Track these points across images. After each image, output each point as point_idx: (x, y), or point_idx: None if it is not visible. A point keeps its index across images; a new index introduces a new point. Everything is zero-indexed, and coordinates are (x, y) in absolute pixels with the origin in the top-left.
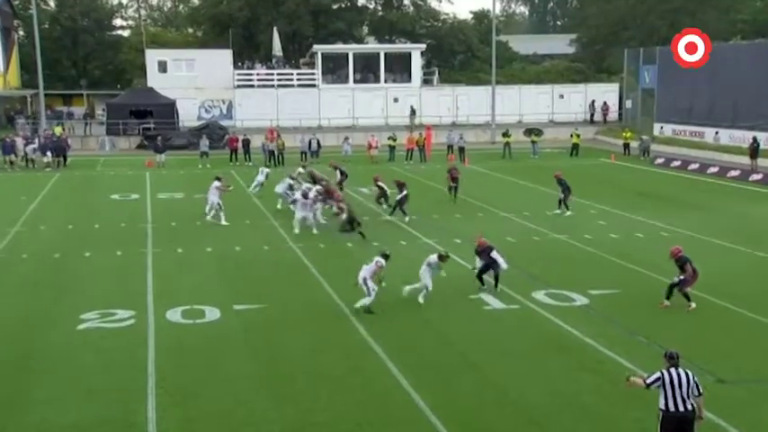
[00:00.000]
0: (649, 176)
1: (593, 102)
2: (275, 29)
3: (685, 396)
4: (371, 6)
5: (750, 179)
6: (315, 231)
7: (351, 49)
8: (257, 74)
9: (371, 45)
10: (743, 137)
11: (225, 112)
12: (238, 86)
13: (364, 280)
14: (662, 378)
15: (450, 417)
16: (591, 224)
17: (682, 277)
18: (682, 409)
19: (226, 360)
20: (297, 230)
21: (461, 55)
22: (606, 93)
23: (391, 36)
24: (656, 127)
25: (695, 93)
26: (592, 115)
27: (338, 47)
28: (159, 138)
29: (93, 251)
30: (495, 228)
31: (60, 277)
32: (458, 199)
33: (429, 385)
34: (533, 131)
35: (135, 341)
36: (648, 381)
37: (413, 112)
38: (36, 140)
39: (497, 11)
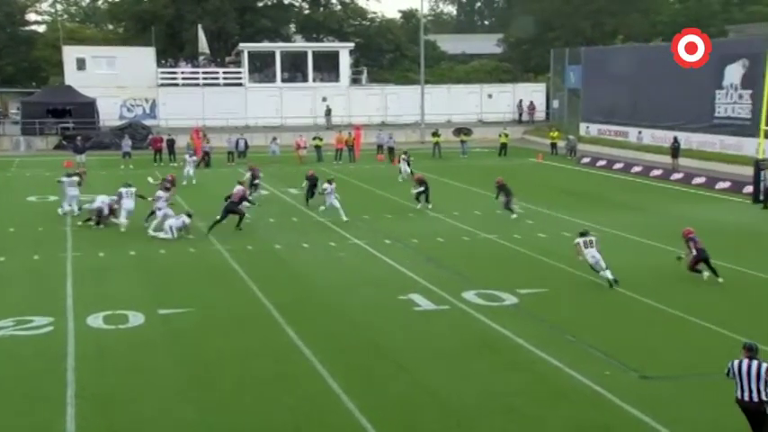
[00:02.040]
0: (576, 176)
1: (521, 101)
2: (200, 27)
3: (754, 387)
4: (298, 4)
5: (671, 178)
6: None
7: (278, 47)
8: (182, 72)
9: (299, 44)
10: (664, 137)
11: (148, 111)
12: (162, 85)
13: None
14: (731, 368)
15: (380, 419)
16: (519, 223)
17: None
18: (747, 398)
19: (150, 366)
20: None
21: (390, 54)
22: (533, 93)
23: (319, 35)
24: (582, 127)
25: (619, 93)
26: (520, 115)
27: (265, 45)
28: (79, 138)
29: (8, 256)
30: (426, 228)
31: None
32: (427, 204)
33: (359, 388)
34: (462, 131)
35: (53, 349)
36: (726, 372)
37: (328, 111)
38: None
39: (425, 10)
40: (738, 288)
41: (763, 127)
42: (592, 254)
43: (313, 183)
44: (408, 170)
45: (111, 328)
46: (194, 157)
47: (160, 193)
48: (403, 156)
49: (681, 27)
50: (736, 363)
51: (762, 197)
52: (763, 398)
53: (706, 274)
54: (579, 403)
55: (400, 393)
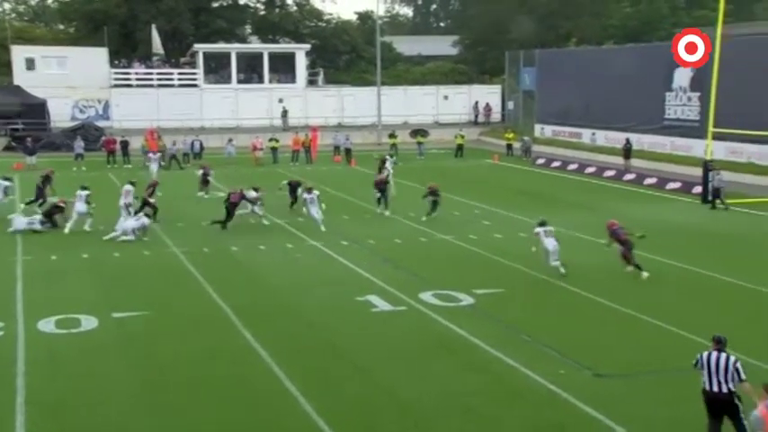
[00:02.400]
0: (531, 176)
1: (477, 103)
2: (154, 27)
3: (722, 379)
4: (253, 5)
5: (624, 179)
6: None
7: (233, 48)
8: (136, 73)
9: (255, 45)
10: (617, 138)
11: (101, 112)
12: (115, 86)
13: None
14: (700, 360)
15: (337, 421)
16: (476, 224)
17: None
18: (717, 389)
19: (103, 371)
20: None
21: (346, 55)
22: (489, 94)
23: (275, 36)
24: (537, 128)
25: (572, 95)
26: (476, 116)
27: (220, 46)
28: (29, 139)
29: None
30: (383, 229)
31: None
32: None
33: (316, 390)
34: (419, 132)
35: (2, 354)
36: (693, 363)
37: (284, 113)
38: None
39: (381, 12)
40: (688, 286)
41: (710, 129)
42: (552, 243)
43: (294, 188)
44: (391, 170)
45: (63, 333)
46: (158, 154)
47: (128, 186)
48: (387, 157)
49: (631, 30)
50: (705, 354)
51: (710, 197)
52: (732, 389)
53: (629, 268)
54: (535, 402)
55: (357, 394)
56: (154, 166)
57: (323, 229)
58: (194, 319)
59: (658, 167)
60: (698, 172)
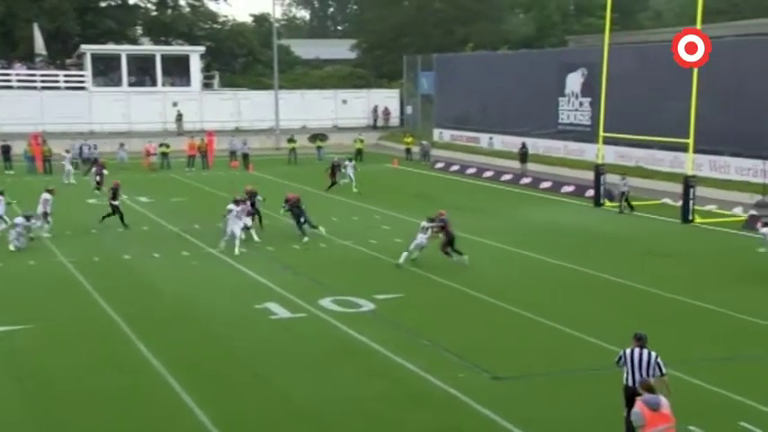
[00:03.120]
0: (431, 181)
1: (376, 107)
2: (36, 26)
3: (644, 374)
4: (144, 6)
5: (521, 183)
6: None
7: (123, 50)
8: (17, 74)
9: (146, 46)
10: (514, 142)
11: None
12: None
13: None
14: (623, 356)
15: (235, 431)
16: (376, 229)
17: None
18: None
19: None
20: None
21: (242, 58)
22: (388, 98)
23: (167, 37)
24: (436, 132)
25: (470, 100)
26: (375, 120)
27: (109, 47)
28: None
29: None
30: (281, 235)
31: None
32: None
33: (214, 400)
34: (318, 137)
35: None
36: (616, 360)
37: (179, 117)
38: None
39: (278, 14)
40: (582, 288)
41: (601, 133)
42: (421, 238)
43: (252, 201)
44: (353, 176)
45: None
46: (70, 154)
47: (46, 195)
48: (347, 162)
49: (525, 36)
50: (628, 351)
51: (602, 201)
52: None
53: (455, 258)
54: (435, 406)
55: (257, 403)
56: (66, 164)
57: (237, 252)
58: (83, 330)
59: (553, 171)
60: (590, 176)
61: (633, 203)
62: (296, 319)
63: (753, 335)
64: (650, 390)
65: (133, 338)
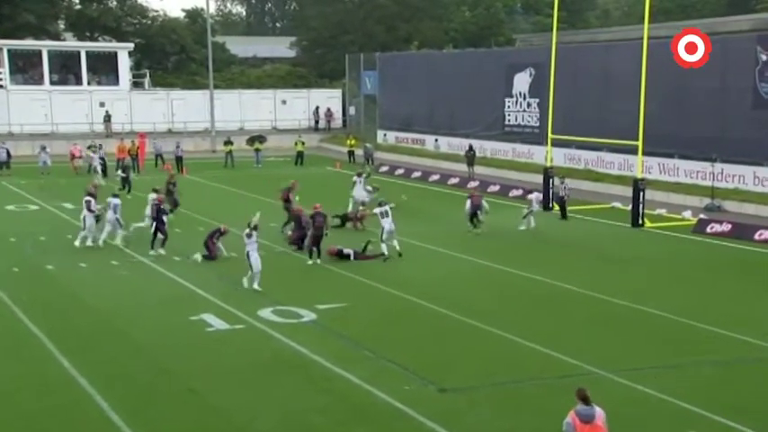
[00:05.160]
0: (375, 184)
1: (318, 108)
2: None
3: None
4: None
5: (468, 186)
6: None
7: (45, 45)
8: None
9: (70, 42)
10: (460, 144)
11: None
12: None
13: None
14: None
15: None
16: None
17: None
18: None
19: None
20: None
21: (175, 56)
22: (329, 99)
23: (93, 33)
24: (380, 134)
25: (415, 100)
26: (316, 122)
27: (29, 43)
28: None
29: None
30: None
31: None
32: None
33: (145, 418)
34: (256, 139)
35: None
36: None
37: (107, 118)
38: None
39: (212, 10)
40: (529, 295)
41: (550, 135)
42: (388, 223)
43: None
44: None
45: None
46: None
47: None
48: (361, 173)
49: (471, 35)
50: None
51: (551, 204)
52: None
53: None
54: (380, 420)
55: (191, 420)
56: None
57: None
58: (1, 347)
59: (501, 174)
60: (539, 179)
61: (579, 208)
62: (233, 330)
63: (700, 340)
64: (585, 400)
65: (56, 354)
